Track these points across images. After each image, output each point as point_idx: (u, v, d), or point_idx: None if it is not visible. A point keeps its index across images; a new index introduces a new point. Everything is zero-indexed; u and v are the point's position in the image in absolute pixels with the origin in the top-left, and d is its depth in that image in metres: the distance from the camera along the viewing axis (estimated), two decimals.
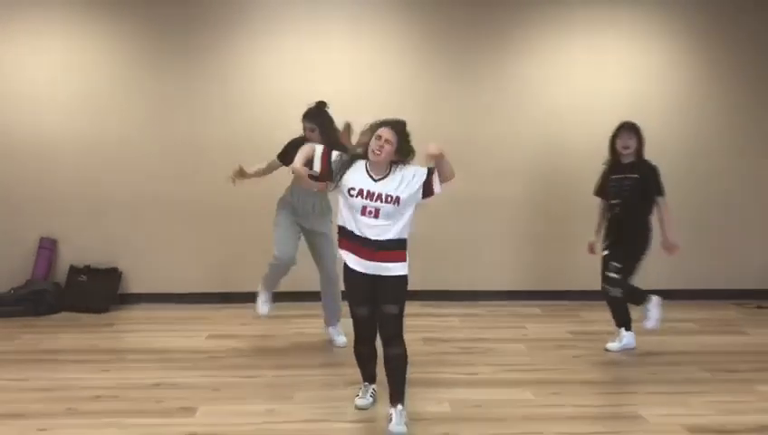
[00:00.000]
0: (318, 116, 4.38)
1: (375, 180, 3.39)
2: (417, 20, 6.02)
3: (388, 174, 3.41)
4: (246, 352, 4.72)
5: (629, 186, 4.57)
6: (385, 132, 3.33)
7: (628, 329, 4.77)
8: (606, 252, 4.71)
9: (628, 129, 4.58)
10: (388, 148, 3.32)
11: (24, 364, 4.55)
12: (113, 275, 6.00)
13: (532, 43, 6.10)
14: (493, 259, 6.22)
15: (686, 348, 4.86)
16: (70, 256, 6.03)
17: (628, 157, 4.61)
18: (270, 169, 4.67)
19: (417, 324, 5.21)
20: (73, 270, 5.99)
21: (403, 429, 3.29)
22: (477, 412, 3.69)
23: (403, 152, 3.38)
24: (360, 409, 3.65)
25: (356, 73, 6.00)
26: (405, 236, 3.43)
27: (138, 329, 5.37)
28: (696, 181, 6.24)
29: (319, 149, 3.50)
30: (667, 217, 4.62)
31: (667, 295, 6.11)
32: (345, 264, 3.48)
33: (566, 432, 3.41)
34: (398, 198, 3.35)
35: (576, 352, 4.74)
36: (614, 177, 4.66)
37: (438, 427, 3.47)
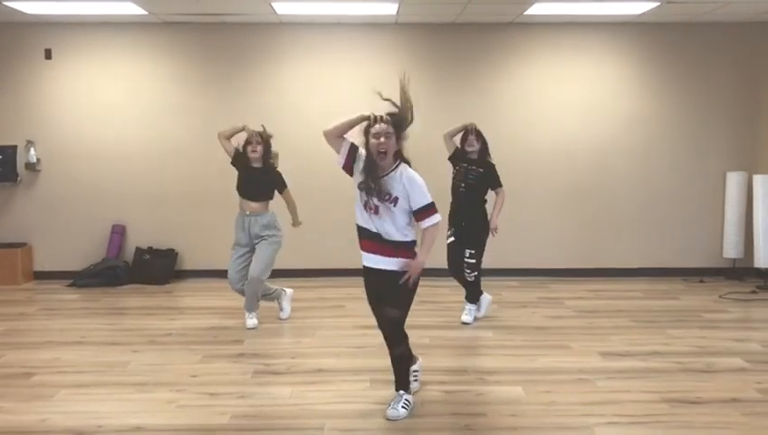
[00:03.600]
0: (264, 135, 5.40)
1: (380, 177, 3.45)
2: (413, 45, 7.35)
3: (391, 171, 3.47)
4: (277, 309, 6.01)
5: (474, 176, 5.38)
6: (381, 129, 3.43)
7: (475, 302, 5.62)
8: (453, 239, 5.45)
9: (473, 132, 5.39)
10: (390, 143, 3.42)
11: (109, 316, 6.00)
12: (171, 254, 7.39)
13: (511, 64, 7.38)
14: None
15: (623, 308, 6.09)
16: (136, 239, 7.45)
17: (473, 154, 5.40)
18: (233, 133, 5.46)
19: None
20: (139, 251, 7.38)
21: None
22: (447, 343, 5.03)
23: (401, 130, 3.48)
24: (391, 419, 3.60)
25: (366, 89, 7.31)
26: (404, 238, 3.50)
27: (192, 295, 6.76)
28: (649, 179, 7.45)
29: (347, 143, 3.54)
30: (498, 205, 5.43)
31: (627, 273, 7.41)
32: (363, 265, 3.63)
33: (509, 354, 4.72)
34: (396, 199, 3.44)
35: (535, 310, 6.01)
36: (464, 163, 5.42)
37: (418, 350, 4.71)
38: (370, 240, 3.52)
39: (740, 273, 7.31)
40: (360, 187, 3.49)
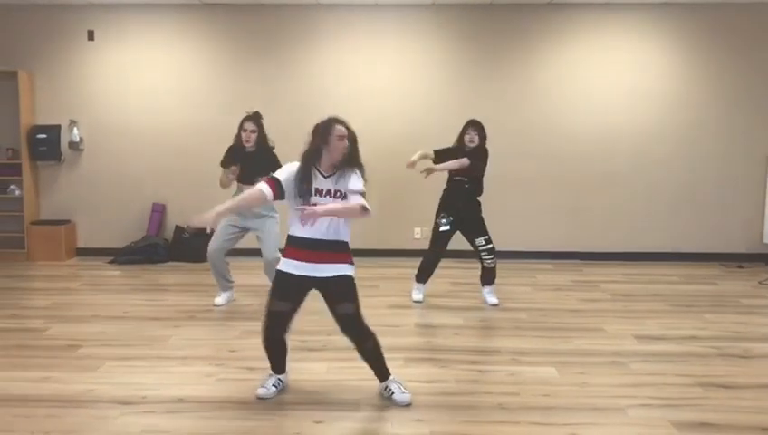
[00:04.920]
0: (258, 120, 5.29)
1: (325, 177, 3.47)
2: (450, 27, 7.33)
3: (335, 171, 3.49)
4: None
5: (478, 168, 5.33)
6: (344, 130, 3.49)
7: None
8: (447, 227, 5.42)
9: (475, 126, 5.32)
10: (346, 143, 3.49)
11: (150, 292, 6.15)
12: (210, 233, 7.52)
13: (548, 46, 7.32)
14: (514, 224, 7.44)
15: (659, 292, 6.06)
16: (176, 217, 7.62)
17: (471, 148, 5.31)
18: (226, 178, 5.44)
19: (449, 273, 6.56)
20: (178, 229, 7.54)
21: (408, 396, 3.57)
22: (481, 324, 5.07)
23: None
24: (261, 398, 3.63)
25: (404, 72, 7.36)
26: (347, 238, 3.55)
27: None
28: (688, 163, 7.36)
29: (267, 189, 3.45)
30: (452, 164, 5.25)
31: (664, 257, 7.36)
32: (280, 271, 3.54)
33: (543, 336, 4.74)
34: (345, 194, 3.47)
35: (569, 293, 6.01)
36: (462, 158, 5.29)
37: (452, 330, 4.87)
38: (318, 250, 3.46)
39: None
40: (310, 191, 3.44)
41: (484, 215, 5.52)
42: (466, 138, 5.36)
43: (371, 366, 3.67)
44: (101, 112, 7.49)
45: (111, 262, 7.29)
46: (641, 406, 3.52)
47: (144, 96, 7.48)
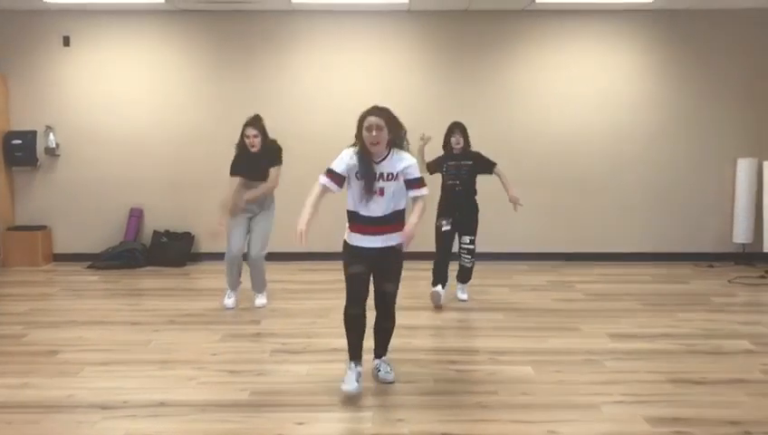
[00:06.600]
0: (259, 123, 5.30)
1: (377, 162, 3.67)
2: (426, 33, 7.42)
3: (386, 156, 3.68)
4: (292, 291, 6.19)
5: (466, 170, 5.55)
6: (373, 121, 3.59)
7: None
8: (448, 227, 5.59)
9: (459, 128, 5.52)
10: (382, 134, 3.60)
11: (128, 297, 6.15)
12: (187, 237, 7.54)
13: (522, 51, 7.44)
14: (490, 226, 7.49)
15: (632, 291, 6.18)
16: (153, 222, 7.61)
17: (457, 149, 5.53)
18: (238, 189, 5.39)
19: (426, 275, 6.59)
20: (156, 233, 7.53)
21: (392, 376, 3.92)
22: (460, 325, 5.15)
23: (394, 130, 3.65)
24: (349, 394, 3.71)
25: (381, 78, 7.42)
26: (403, 206, 3.79)
27: (208, 277, 6.88)
28: (660, 164, 7.52)
29: (331, 184, 3.71)
30: (506, 179, 5.60)
31: (637, 258, 7.49)
32: (348, 244, 3.81)
33: (519, 335, 4.82)
34: (396, 175, 3.68)
35: (546, 293, 6.11)
36: (451, 163, 5.57)
37: (431, 331, 4.94)
38: (374, 225, 3.72)
39: (749, 258, 7.38)
40: (364, 176, 3.67)
41: None
42: (453, 140, 5.55)
43: (377, 341, 4.01)
44: (77, 118, 7.46)
45: (89, 267, 7.25)
46: (616, 403, 3.61)
47: (120, 101, 7.45)
